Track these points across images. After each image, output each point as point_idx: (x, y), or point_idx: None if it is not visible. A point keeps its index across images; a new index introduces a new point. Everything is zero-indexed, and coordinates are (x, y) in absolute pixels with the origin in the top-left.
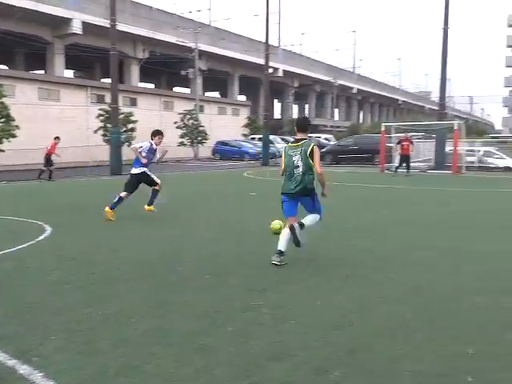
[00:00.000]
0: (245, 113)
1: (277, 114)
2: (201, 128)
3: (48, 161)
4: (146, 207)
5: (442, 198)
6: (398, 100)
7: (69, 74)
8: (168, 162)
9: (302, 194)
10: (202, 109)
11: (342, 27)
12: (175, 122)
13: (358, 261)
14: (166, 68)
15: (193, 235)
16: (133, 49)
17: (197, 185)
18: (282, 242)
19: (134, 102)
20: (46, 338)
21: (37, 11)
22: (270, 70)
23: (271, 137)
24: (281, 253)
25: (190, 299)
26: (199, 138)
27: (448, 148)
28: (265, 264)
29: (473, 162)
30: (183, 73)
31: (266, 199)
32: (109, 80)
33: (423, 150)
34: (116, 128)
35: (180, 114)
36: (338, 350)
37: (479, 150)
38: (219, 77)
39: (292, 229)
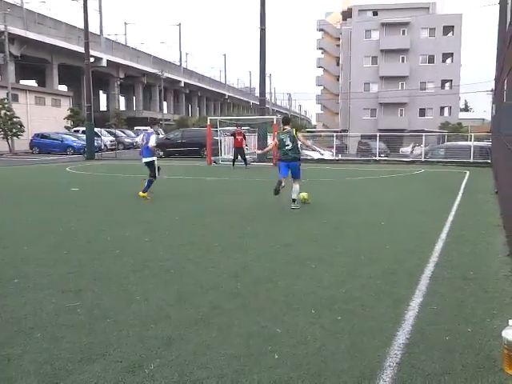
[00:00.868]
0: (67, 104)
1: (103, 106)
2: (15, 119)
3: None
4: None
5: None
6: (224, 95)
7: None
8: None
9: (293, 161)
10: (15, 98)
11: (167, 19)
12: None
13: (181, 252)
14: None
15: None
16: None
17: (10, 180)
18: (294, 194)
19: None
20: None
21: None
22: (92, 60)
23: (97, 129)
24: (294, 200)
25: None
26: (14, 131)
27: (270, 141)
28: (80, 263)
29: None
30: None
31: (90, 195)
32: None
33: (248, 144)
34: None
35: None
36: (154, 343)
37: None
38: (36, 64)
39: (280, 183)
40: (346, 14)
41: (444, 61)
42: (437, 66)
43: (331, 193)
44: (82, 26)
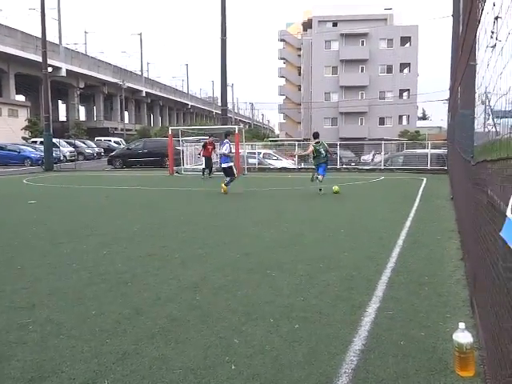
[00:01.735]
0: (24, 114)
1: (62, 116)
2: None
3: None
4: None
5: (196, 197)
6: (187, 104)
7: None
8: None
9: (324, 163)
10: None
11: (128, 29)
12: None
13: (139, 265)
14: None
15: None
16: None
17: None
18: (320, 184)
19: None
20: None
21: None
22: (51, 69)
23: (56, 140)
24: (320, 189)
25: None
26: None
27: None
28: (35, 277)
29: (254, 164)
30: None
31: (47, 207)
32: None
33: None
34: None
35: None
36: (109, 359)
37: (260, 153)
38: None
39: (316, 178)
40: (307, 25)
41: (402, 71)
42: (395, 75)
43: (292, 201)
44: (39, 34)
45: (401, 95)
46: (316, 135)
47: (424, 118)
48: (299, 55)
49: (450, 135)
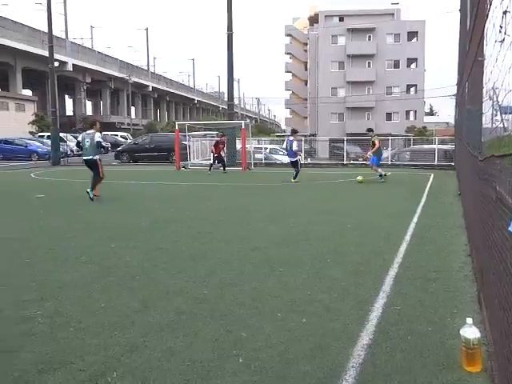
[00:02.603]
0: (31, 109)
1: (69, 111)
2: None
3: None
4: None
5: (204, 192)
6: (193, 99)
7: None
8: None
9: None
10: None
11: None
12: None
13: (147, 258)
14: None
15: None
16: None
17: None
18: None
19: None
20: None
21: None
22: (57, 64)
23: (63, 134)
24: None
25: None
26: None
27: (239, 146)
28: (44, 271)
29: (261, 159)
30: None
31: (55, 201)
32: None
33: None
34: None
35: None
36: (118, 351)
37: (266, 148)
38: None
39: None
40: (313, 20)
41: (409, 66)
42: (402, 70)
43: (300, 196)
44: (46, 29)
45: (408, 90)
46: (370, 129)
47: (431, 113)
48: (306, 50)
49: (457, 131)
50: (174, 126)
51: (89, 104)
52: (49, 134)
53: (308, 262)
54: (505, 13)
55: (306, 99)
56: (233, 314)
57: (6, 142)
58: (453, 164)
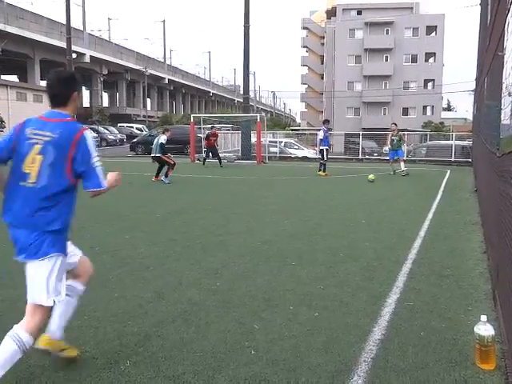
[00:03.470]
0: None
1: (85, 103)
2: None
3: None
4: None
5: (218, 185)
6: (209, 92)
7: None
8: None
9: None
10: None
11: (152, 16)
12: None
13: (161, 250)
14: None
15: None
16: None
17: None
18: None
19: None
20: None
21: None
22: (75, 55)
23: None
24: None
25: None
26: None
27: (254, 139)
28: None
29: (276, 153)
30: None
31: None
32: None
33: (232, 141)
34: None
35: None
36: (131, 340)
37: (281, 142)
38: (18, 59)
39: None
40: (331, 13)
41: (427, 60)
42: (420, 65)
43: (314, 190)
44: (64, 20)
45: (425, 85)
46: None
47: (449, 108)
48: (322, 44)
49: (475, 127)
50: (190, 118)
51: (105, 96)
52: None
53: (321, 256)
54: None
55: (322, 93)
56: (245, 306)
57: None
58: (470, 160)
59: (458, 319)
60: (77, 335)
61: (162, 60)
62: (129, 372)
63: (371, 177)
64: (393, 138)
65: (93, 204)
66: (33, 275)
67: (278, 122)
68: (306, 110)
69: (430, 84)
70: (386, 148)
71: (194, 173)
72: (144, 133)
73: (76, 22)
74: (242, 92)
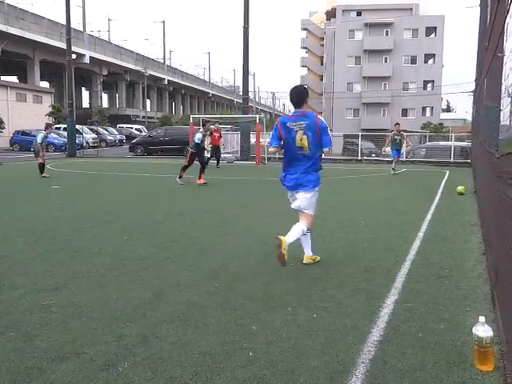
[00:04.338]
0: (48, 100)
1: (85, 103)
2: None
3: None
4: None
5: (217, 186)
6: (208, 93)
7: None
8: None
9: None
10: None
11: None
12: None
13: (160, 251)
14: None
15: None
16: None
17: None
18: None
19: None
20: None
21: None
22: (74, 56)
23: (79, 127)
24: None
25: None
26: None
27: (253, 140)
28: (58, 261)
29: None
30: None
31: (70, 193)
32: None
33: (231, 142)
34: None
35: None
36: (129, 341)
37: None
38: (17, 60)
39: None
40: (330, 14)
41: (426, 61)
42: (419, 66)
43: None
44: (64, 21)
45: (425, 86)
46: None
47: (448, 110)
48: (322, 45)
49: (474, 128)
50: (189, 119)
51: (105, 96)
52: (65, 125)
53: (320, 257)
54: None
55: (322, 94)
56: (244, 307)
57: (24, 133)
58: (469, 161)
59: (456, 320)
60: (74, 336)
61: (162, 61)
62: (127, 373)
63: (460, 188)
64: (395, 137)
65: (92, 205)
66: (302, 198)
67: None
68: None
69: (429, 85)
70: (386, 149)
71: (192, 174)
72: (143, 133)
73: (76, 23)
74: (241, 93)
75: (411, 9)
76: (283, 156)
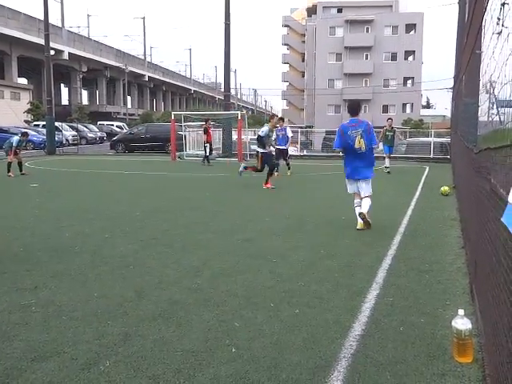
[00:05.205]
0: (27, 97)
1: (64, 100)
2: None
3: None
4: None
5: (199, 183)
6: (190, 89)
7: None
8: None
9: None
10: None
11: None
12: None
13: (141, 248)
14: None
15: None
16: None
17: None
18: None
19: None
20: None
21: None
22: (53, 52)
23: (58, 124)
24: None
25: None
26: None
27: (235, 137)
28: (38, 260)
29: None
30: None
31: (49, 191)
32: None
33: (213, 138)
34: None
35: None
36: (111, 340)
37: None
38: None
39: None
40: (311, 11)
41: (406, 58)
42: (399, 63)
43: (293, 188)
44: (42, 17)
45: (405, 83)
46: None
47: (428, 106)
48: (303, 41)
49: (453, 124)
50: (170, 116)
51: (84, 93)
52: (44, 122)
53: (302, 254)
54: (503, 4)
55: (303, 91)
56: (226, 304)
57: (1, 130)
58: (448, 157)
59: (436, 314)
60: (55, 336)
61: (143, 57)
62: (108, 372)
63: (444, 190)
64: (387, 133)
65: (72, 203)
66: (364, 185)
67: (260, 119)
68: (287, 107)
69: (409, 82)
70: (380, 146)
71: (174, 171)
72: (124, 131)
73: (55, 19)
74: (223, 90)
75: (391, 6)
76: (345, 154)
